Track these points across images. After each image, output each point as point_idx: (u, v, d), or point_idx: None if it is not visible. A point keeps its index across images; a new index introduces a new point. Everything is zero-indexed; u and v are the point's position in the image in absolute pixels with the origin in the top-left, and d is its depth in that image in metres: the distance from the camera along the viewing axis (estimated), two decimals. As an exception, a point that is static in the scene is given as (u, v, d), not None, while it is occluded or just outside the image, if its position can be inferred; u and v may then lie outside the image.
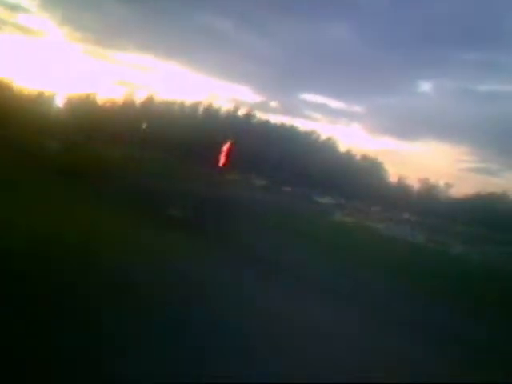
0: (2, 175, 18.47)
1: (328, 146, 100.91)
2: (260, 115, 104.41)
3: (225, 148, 61.43)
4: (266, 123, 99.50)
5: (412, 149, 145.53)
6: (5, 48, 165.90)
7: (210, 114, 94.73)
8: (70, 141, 56.64)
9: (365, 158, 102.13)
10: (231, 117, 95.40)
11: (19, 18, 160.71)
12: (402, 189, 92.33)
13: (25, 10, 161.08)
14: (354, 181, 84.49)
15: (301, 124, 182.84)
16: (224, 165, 59.71)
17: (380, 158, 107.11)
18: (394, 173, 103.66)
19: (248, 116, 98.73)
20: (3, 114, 65.07)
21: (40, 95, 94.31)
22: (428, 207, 77.83)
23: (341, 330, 8.14)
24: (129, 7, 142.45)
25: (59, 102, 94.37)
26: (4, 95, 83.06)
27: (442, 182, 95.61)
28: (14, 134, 46.08)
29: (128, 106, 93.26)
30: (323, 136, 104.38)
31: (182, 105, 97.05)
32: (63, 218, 12.36)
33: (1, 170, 20.90)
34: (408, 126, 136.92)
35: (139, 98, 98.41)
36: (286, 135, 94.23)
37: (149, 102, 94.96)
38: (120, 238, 11.70)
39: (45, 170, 25.58)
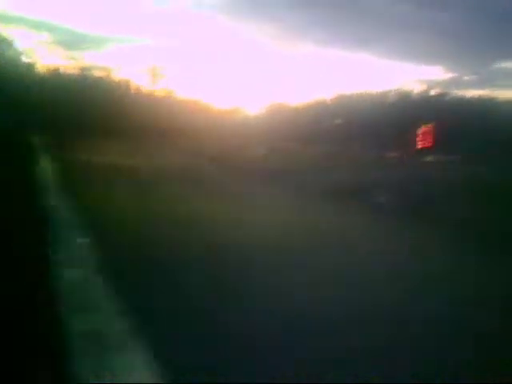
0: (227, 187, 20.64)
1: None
2: (455, 92, 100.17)
3: (422, 131, 60.25)
4: (462, 99, 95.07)
5: None
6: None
7: (403, 98, 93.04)
8: (273, 146, 59.81)
9: None
10: (424, 98, 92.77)
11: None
12: None
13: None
14: None
15: (500, 94, 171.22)
16: (423, 147, 58.62)
17: None
18: None
19: (442, 95, 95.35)
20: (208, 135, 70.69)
21: (235, 111, 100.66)
22: None
23: None
24: (304, 11, 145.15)
25: (258, 111, 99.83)
26: (201, 116, 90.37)
27: None
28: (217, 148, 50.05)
29: (319, 104, 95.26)
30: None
31: (371, 94, 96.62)
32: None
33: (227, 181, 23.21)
34: None
35: (330, 95, 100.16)
36: (486, 108, 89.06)
37: (340, 98, 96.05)
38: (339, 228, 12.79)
39: (252, 174, 27.71)
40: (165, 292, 5.96)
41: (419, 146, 59.16)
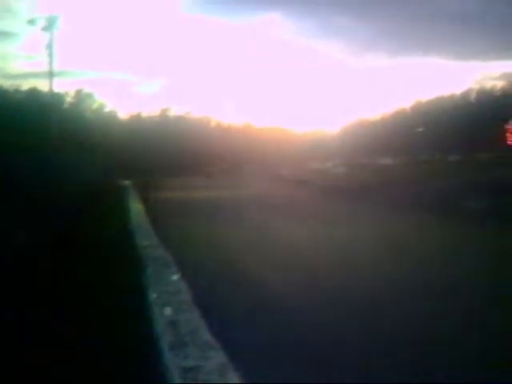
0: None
1: None
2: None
3: (510, 126, 57.85)
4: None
5: None
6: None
7: (484, 97, 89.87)
8: (356, 162, 59.42)
9: None
10: (507, 94, 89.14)
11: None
12: None
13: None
14: None
15: None
16: (512, 144, 56.27)
17: None
18: None
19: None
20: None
21: (315, 133, 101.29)
22: None
23: None
24: (371, 23, 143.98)
25: (338, 130, 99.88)
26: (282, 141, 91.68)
27: None
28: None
29: (398, 114, 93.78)
30: None
31: (451, 97, 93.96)
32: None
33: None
34: None
35: (408, 103, 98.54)
36: None
37: (418, 104, 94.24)
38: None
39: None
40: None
41: (507, 143, 56.92)
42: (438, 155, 59.58)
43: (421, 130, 76.33)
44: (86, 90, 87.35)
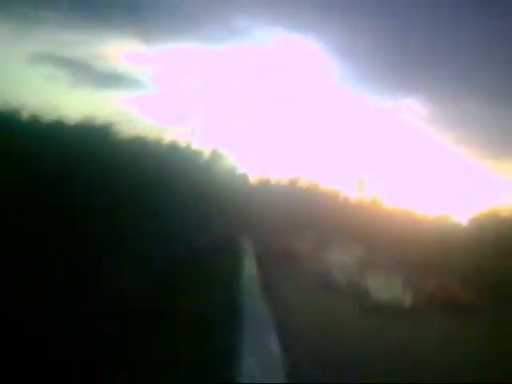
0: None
1: None
2: None
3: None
4: None
5: None
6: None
7: None
8: (480, 258, 56.11)
9: None
10: None
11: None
12: None
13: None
14: None
15: None
16: None
17: None
18: None
19: None
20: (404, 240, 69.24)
21: (442, 218, 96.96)
22: None
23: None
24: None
25: (464, 221, 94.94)
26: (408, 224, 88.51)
27: None
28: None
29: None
30: None
31: None
32: None
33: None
34: None
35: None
36: None
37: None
38: None
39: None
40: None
41: None
42: None
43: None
44: (220, 149, 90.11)
